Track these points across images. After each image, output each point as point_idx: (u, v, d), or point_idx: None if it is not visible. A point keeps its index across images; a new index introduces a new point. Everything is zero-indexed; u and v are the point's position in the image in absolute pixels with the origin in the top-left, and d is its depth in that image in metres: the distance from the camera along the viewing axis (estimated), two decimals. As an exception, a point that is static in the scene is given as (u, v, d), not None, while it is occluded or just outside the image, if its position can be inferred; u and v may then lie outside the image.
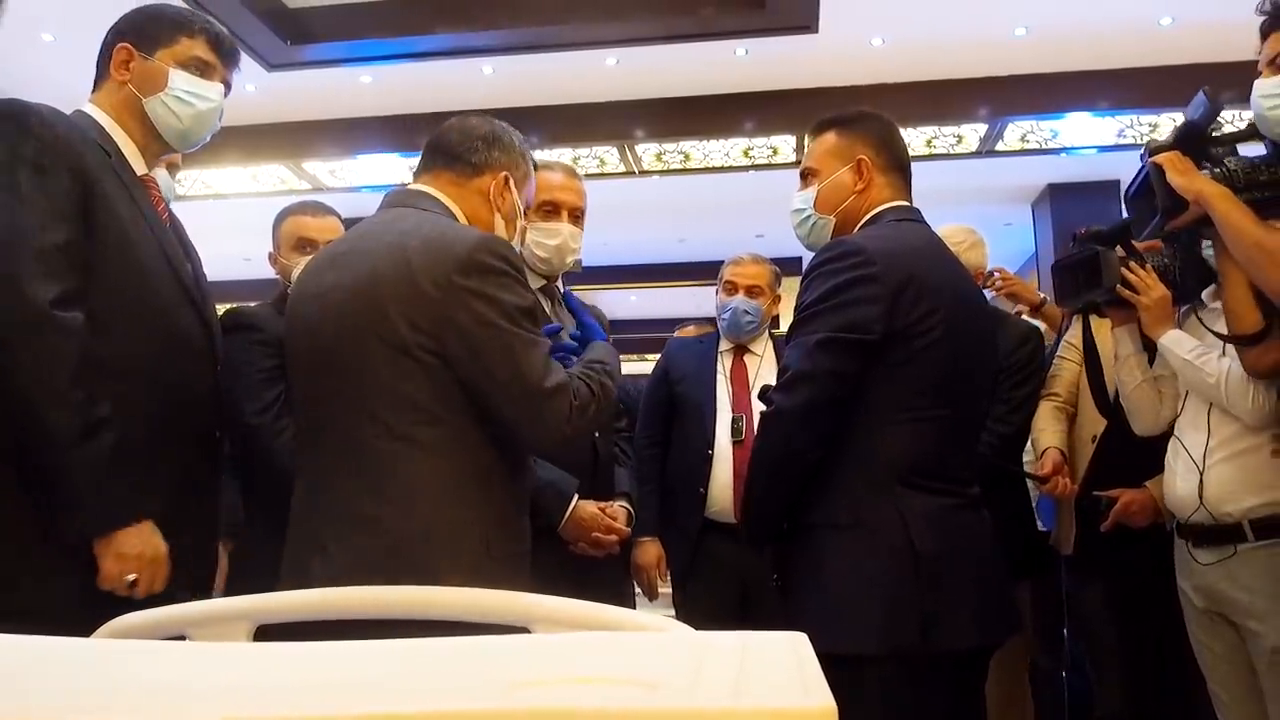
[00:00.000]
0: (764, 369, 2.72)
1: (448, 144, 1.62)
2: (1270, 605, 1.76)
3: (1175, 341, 1.93)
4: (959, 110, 5.69)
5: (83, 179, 1.51)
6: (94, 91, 1.70)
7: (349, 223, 2.08)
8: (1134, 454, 2.17)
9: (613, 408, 1.59)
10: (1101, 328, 2.25)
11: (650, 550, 2.52)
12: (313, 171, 6.53)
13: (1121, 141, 5.94)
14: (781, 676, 0.56)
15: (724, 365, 2.77)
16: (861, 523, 1.55)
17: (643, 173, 6.49)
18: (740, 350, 2.80)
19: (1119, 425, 2.21)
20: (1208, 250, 1.93)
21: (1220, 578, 1.85)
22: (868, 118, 1.81)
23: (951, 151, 6.13)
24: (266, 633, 0.96)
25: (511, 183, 1.62)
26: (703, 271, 6.42)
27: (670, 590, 2.69)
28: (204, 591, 1.65)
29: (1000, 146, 6.11)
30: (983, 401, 1.78)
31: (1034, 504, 2.68)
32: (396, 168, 6.35)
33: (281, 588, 1.38)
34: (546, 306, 2.12)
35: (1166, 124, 5.67)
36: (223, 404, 1.79)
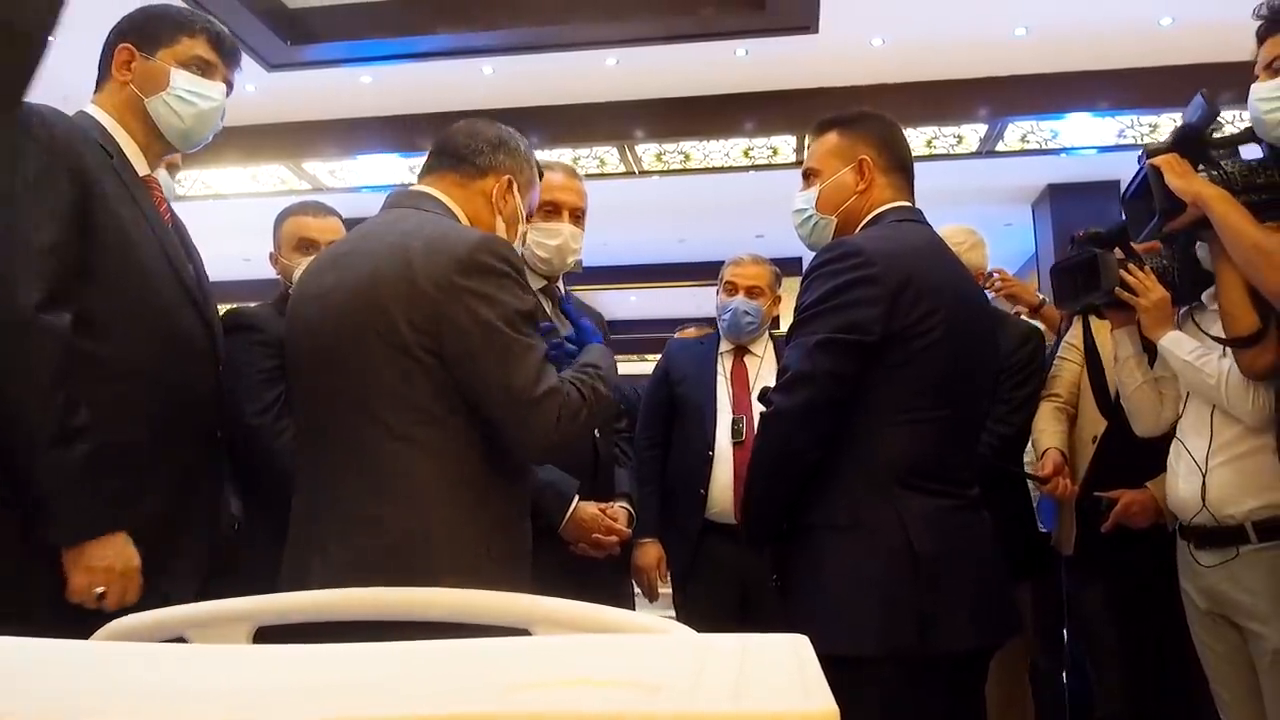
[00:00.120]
0: (764, 370, 2.72)
1: (454, 146, 1.62)
2: (1273, 607, 1.76)
3: (1175, 343, 1.93)
4: (959, 110, 5.69)
5: (82, 180, 1.51)
6: (96, 92, 1.70)
7: (349, 223, 2.08)
8: (1134, 454, 2.17)
9: (606, 412, 1.57)
10: (1102, 328, 2.25)
11: (650, 551, 2.52)
12: (313, 172, 6.53)
13: (1122, 142, 5.94)
14: (782, 679, 0.56)
15: (724, 366, 2.77)
16: (860, 524, 1.54)
17: (643, 173, 6.49)
18: (740, 351, 2.80)
19: (1119, 426, 2.21)
20: (1202, 252, 1.94)
21: (1222, 579, 1.85)
22: (870, 118, 1.81)
23: (951, 152, 6.13)
24: (266, 634, 0.96)
25: (515, 187, 1.62)
26: (703, 272, 6.43)
27: (670, 591, 2.69)
28: (205, 592, 1.65)
29: (1000, 147, 6.10)
30: (983, 402, 1.78)
31: (1035, 505, 2.67)
32: (397, 168, 6.35)
33: (282, 588, 1.38)
34: (547, 307, 2.11)
35: (1166, 124, 5.67)
36: (224, 404, 1.79)
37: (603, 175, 6.39)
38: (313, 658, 0.63)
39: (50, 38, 0.53)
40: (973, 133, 5.96)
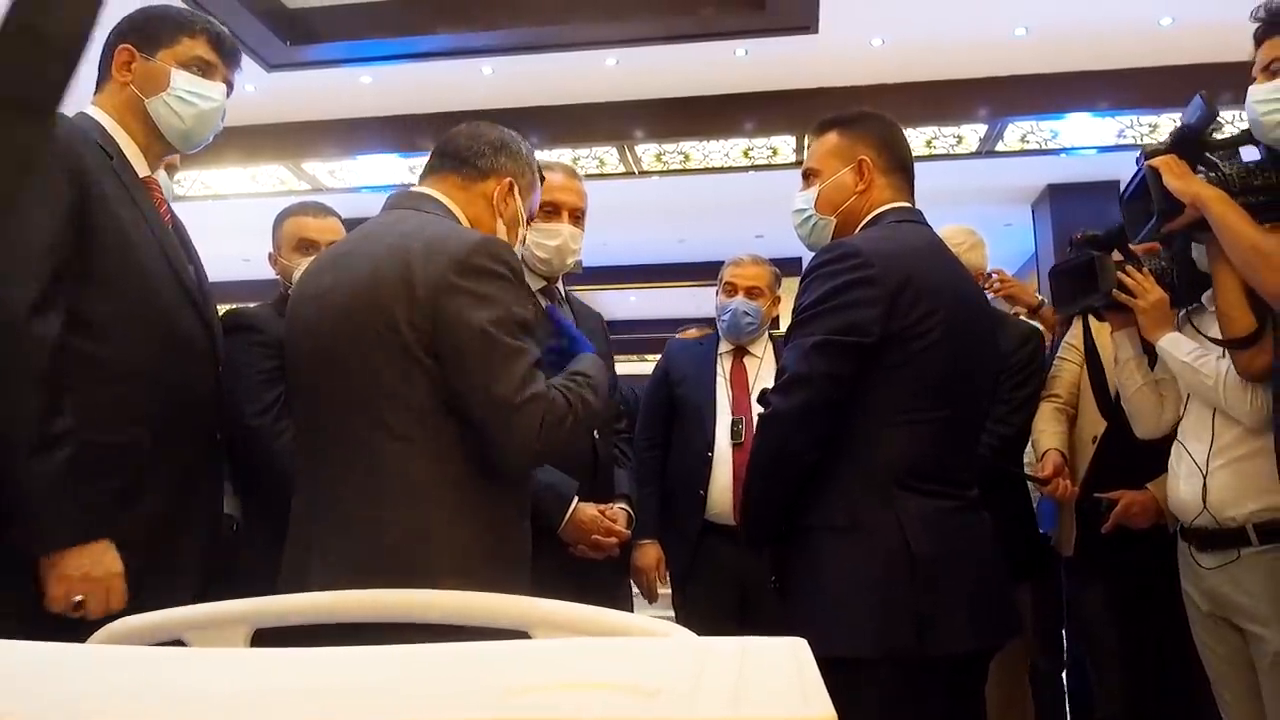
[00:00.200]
0: (764, 370, 2.72)
1: (456, 148, 1.62)
2: (1273, 610, 1.76)
3: (1173, 344, 1.93)
4: (959, 110, 5.69)
5: (81, 181, 1.51)
6: (96, 93, 1.70)
7: (349, 224, 2.08)
8: (1135, 455, 2.17)
9: (593, 422, 1.55)
10: (1102, 328, 2.25)
11: (650, 552, 2.52)
12: (312, 172, 6.53)
13: (1121, 142, 5.94)
14: (781, 683, 0.56)
15: (724, 367, 2.77)
16: (858, 525, 1.54)
17: (642, 173, 6.49)
18: (740, 352, 2.80)
19: (1120, 426, 2.21)
20: (1198, 253, 1.94)
21: (1223, 582, 1.85)
22: (870, 118, 1.80)
23: (951, 152, 6.13)
24: (265, 636, 0.96)
25: (516, 189, 1.62)
26: (702, 272, 6.43)
27: (670, 592, 2.68)
28: (204, 594, 1.65)
29: (1000, 147, 6.10)
30: (983, 403, 1.78)
31: (1035, 506, 2.67)
32: (396, 168, 6.35)
33: (281, 588, 1.38)
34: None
35: (1166, 124, 5.67)
36: (224, 405, 1.78)
37: (602, 175, 6.39)
38: (311, 662, 0.63)
39: (85, 47, 0.53)
40: (972, 133, 5.96)
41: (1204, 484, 1.85)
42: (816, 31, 4.90)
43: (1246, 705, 1.86)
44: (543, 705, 0.51)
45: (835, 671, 0.78)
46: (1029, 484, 2.56)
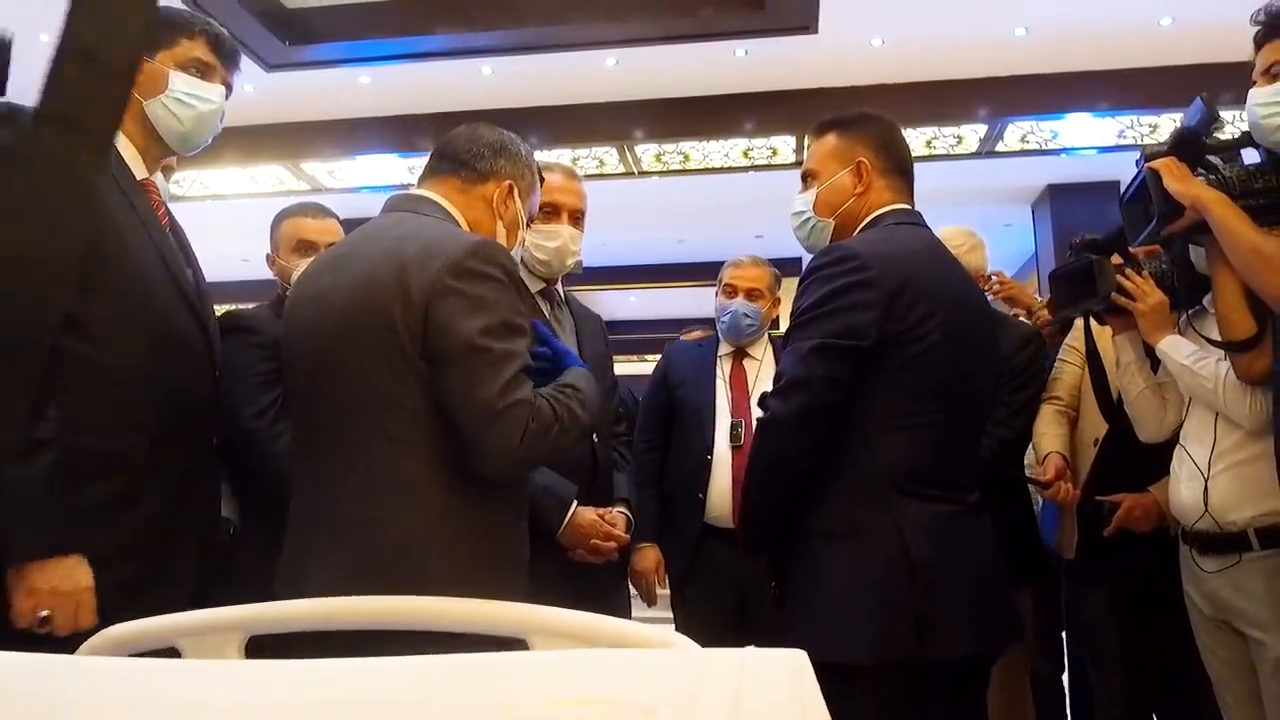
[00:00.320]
0: (763, 373, 2.71)
1: (455, 150, 1.61)
2: (1275, 615, 1.75)
3: (1173, 347, 1.92)
4: (959, 111, 5.68)
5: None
6: (93, 94, 1.68)
7: (349, 224, 2.07)
8: (1136, 458, 2.16)
9: (580, 435, 1.52)
10: (1103, 330, 2.25)
11: (649, 555, 2.52)
12: (311, 172, 6.53)
13: (1122, 142, 5.94)
14: (780, 694, 0.55)
15: (723, 370, 2.76)
16: (857, 530, 1.53)
17: (642, 173, 6.49)
18: (740, 354, 2.79)
19: (1121, 429, 2.20)
20: (1196, 256, 1.93)
21: (1224, 586, 1.84)
22: (868, 119, 1.80)
23: (951, 152, 6.13)
24: (260, 641, 0.95)
25: (516, 192, 1.62)
26: (702, 272, 6.43)
27: (670, 595, 2.68)
28: (201, 598, 1.64)
29: (1000, 147, 6.10)
30: (983, 405, 1.77)
31: (1037, 515, 2.66)
32: (395, 168, 6.35)
33: (278, 592, 1.38)
34: (545, 310, 2.11)
35: (1166, 125, 5.67)
36: (221, 408, 1.78)
37: (602, 176, 6.39)
38: (306, 674, 0.62)
39: (138, 71, 0.54)
40: (972, 133, 5.96)
41: (1205, 488, 1.85)
42: (816, 31, 4.90)
43: (1248, 709, 1.86)
44: (540, 720, 0.50)
45: (834, 678, 0.78)
46: (1030, 487, 2.56)
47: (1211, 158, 1.83)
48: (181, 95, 1.67)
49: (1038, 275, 7.18)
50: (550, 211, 2.07)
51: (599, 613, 0.92)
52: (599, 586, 1.98)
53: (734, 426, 2.62)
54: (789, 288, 2.37)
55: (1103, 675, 2.37)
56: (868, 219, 1.73)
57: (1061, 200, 6.99)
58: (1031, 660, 2.63)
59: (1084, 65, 5.33)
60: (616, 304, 10.89)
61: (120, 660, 0.69)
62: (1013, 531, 2.38)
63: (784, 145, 6.12)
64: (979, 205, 7.01)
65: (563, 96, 5.70)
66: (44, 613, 1.36)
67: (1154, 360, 2.06)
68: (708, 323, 3.19)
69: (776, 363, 2.51)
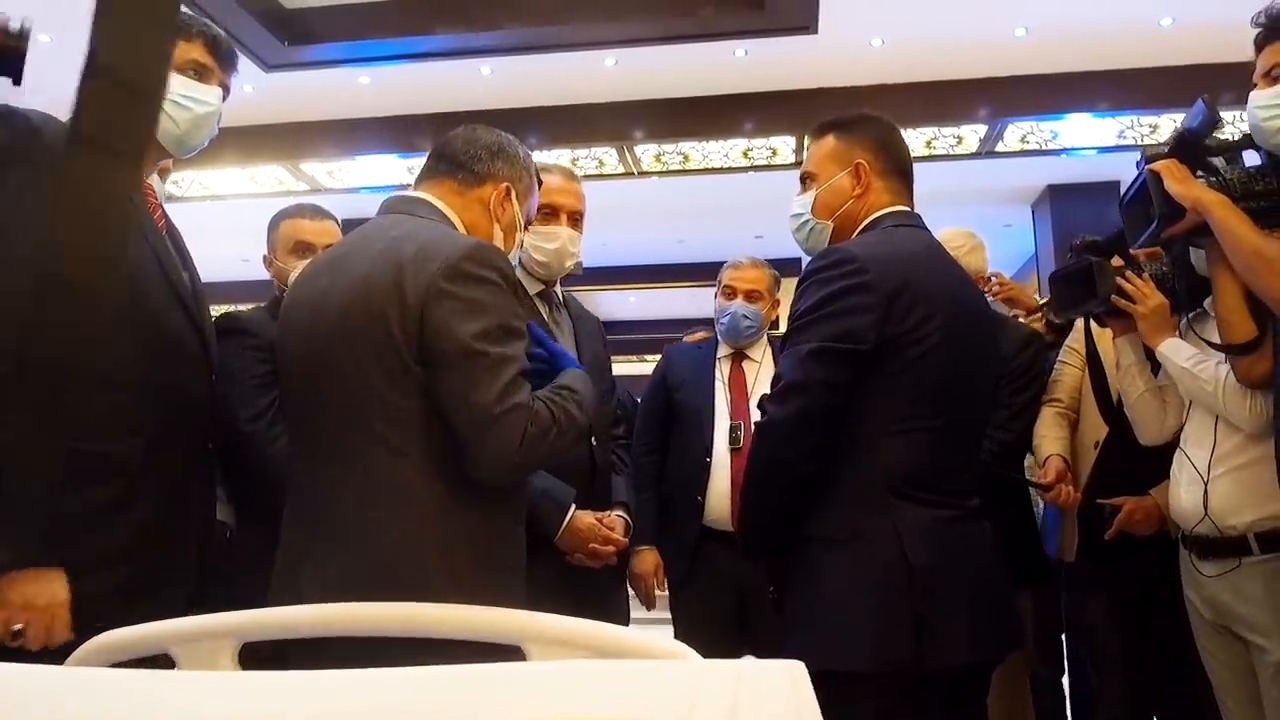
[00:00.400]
0: (763, 375, 2.70)
1: (452, 152, 1.60)
2: (1275, 621, 1.74)
3: (1173, 350, 1.91)
4: (959, 111, 5.68)
5: None
6: (88, 96, 1.68)
7: (348, 225, 2.06)
8: (1137, 460, 2.15)
9: (577, 437, 1.51)
10: (1103, 332, 2.24)
11: (648, 559, 2.51)
12: (311, 172, 6.52)
13: (1122, 142, 5.94)
14: (778, 706, 0.55)
15: (722, 372, 2.76)
16: (856, 536, 1.52)
17: (642, 174, 6.48)
18: (739, 356, 2.78)
19: (1122, 431, 2.19)
20: (1196, 258, 1.92)
21: (1224, 590, 1.83)
22: (867, 121, 1.79)
23: (951, 152, 6.13)
24: (255, 647, 0.95)
25: (513, 194, 1.61)
26: (702, 272, 6.42)
27: (669, 597, 2.67)
28: (196, 603, 1.63)
29: (1000, 147, 6.10)
30: (983, 408, 1.76)
31: (1039, 522, 2.66)
32: (395, 169, 6.34)
33: (272, 598, 1.37)
34: (544, 312, 2.10)
35: (1166, 125, 5.67)
36: (217, 410, 1.77)
37: (602, 176, 6.38)
38: (300, 686, 0.62)
39: (164, 94, 0.55)
40: (972, 133, 5.95)
41: (1205, 491, 1.84)
42: (816, 32, 4.89)
43: (1249, 713, 1.85)
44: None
45: (832, 686, 0.77)
46: (1031, 491, 2.55)
47: (1212, 160, 1.83)
48: (178, 98, 1.65)
49: (1038, 276, 7.18)
50: (549, 213, 2.06)
51: (598, 616, 0.92)
52: (597, 590, 1.98)
53: (733, 429, 2.61)
54: (788, 288, 2.36)
55: (1103, 679, 2.36)
56: (866, 221, 1.72)
57: (1061, 201, 6.98)
58: (1032, 663, 2.63)
59: (1084, 65, 5.33)
60: (616, 304, 10.88)
61: (114, 672, 0.69)
62: (1013, 535, 2.37)
63: (784, 145, 6.11)
64: (979, 205, 7.01)
65: (562, 97, 5.70)
66: (16, 626, 1.34)
67: (1154, 363, 2.05)
68: (708, 323, 3.19)
69: (776, 364, 2.50)
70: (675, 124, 5.90)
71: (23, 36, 1.18)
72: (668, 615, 2.67)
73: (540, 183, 1.76)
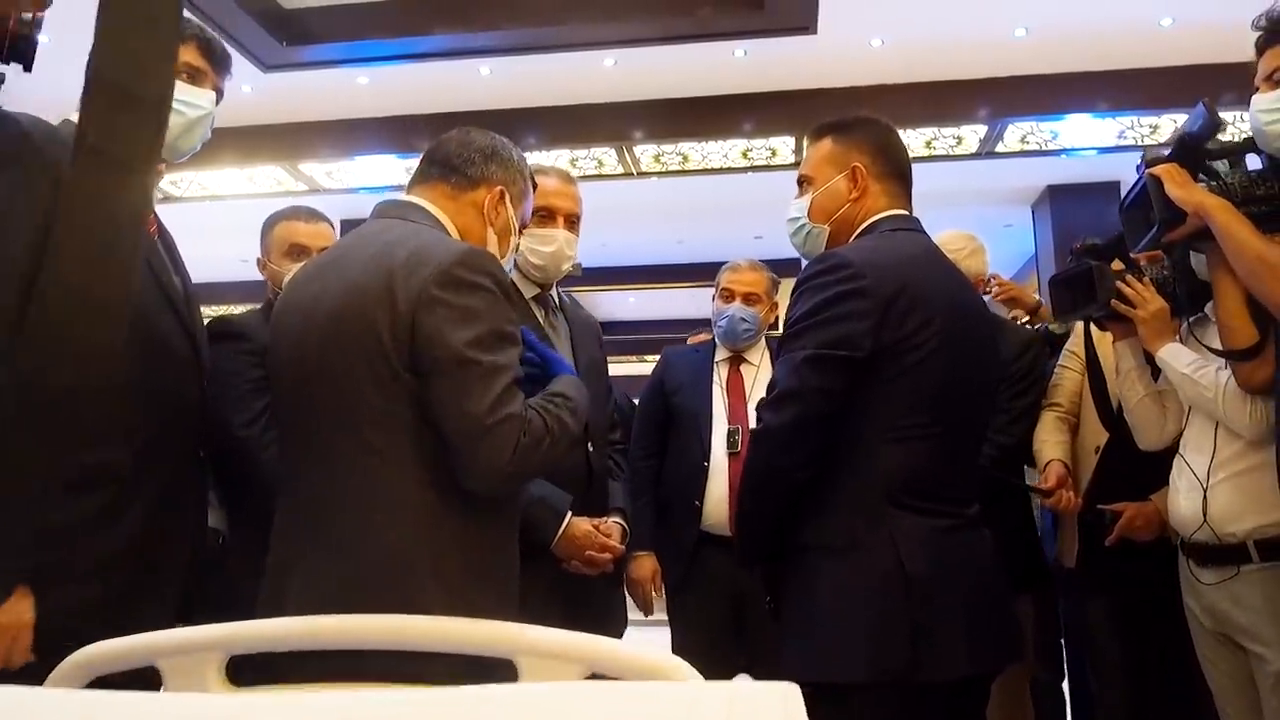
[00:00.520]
0: (761, 378, 2.69)
1: (445, 155, 1.58)
2: (1274, 629, 1.73)
3: (1173, 355, 1.90)
4: (959, 111, 5.67)
5: (58, 189, 1.47)
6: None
7: (346, 225, 2.05)
8: (1138, 466, 2.14)
9: (572, 445, 1.49)
10: (1103, 336, 2.23)
11: (645, 564, 2.49)
12: (309, 173, 6.51)
13: (1122, 143, 5.93)
14: (770, 729, 0.54)
15: (720, 375, 2.74)
16: (853, 545, 1.50)
17: (641, 174, 6.47)
18: (737, 360, 2.77)
19: (1122, 437, 2.18)
20: (1197, 263, 1.91)
21: (1223, 598, 1.82)
22: (865, 123, 1.77)
23: (951, 153, 6.12)
24: (242, 659, 0.93)
25: (507, 198, 1.59)
26: (701, 273, 6.39)
27: (666, 601, 2.66)
28: (188, 610, 1.61)
29: (1000, 148, 6.08)
30: (983, 413, 1.74)
31: (1039, 528, 2.64)
32: (394, 169, 6.33)
33: (261, 608, 1.35)
34: (540, 315, 2.09)
35: (1167, 125, 5.65)
36: (209, 414, 1.75)
37: (601, 176, 6.37)
38: (290, 705, 0.61)
39: (171, 104, 0.54)
40: (972, 134, 5.94)
41: (1204, 498, 1.83)
42: (816, 32, 4.88)
43: (1244, 713, 1.84)
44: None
45: (829, 697, 0.76)
46: (1033, 498, 2.53)
47: (1213, 164, 1.81)
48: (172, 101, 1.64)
49: (1038, 276, 7.16)
50: (545, 216, 2.05)
51: (594, 622, 0.91)
52: (594, 595, 1.96)
53: (731, 433, 2.60)
54: (788, 290, 2.35)
55: (1103, 684, 2.35)
56: (864, 225, 1.70)
57: (1061, 201, 6.97)
58: (1032, 669, 2.62)
59: (1084, 66, 5.31)
60: (615, 305, 10.87)
61: (99, 694, 0.67)
62: (1013, 540, 2.36)
63: (783, 146, 6.10)
64: (978, 206, 6.99)
65: (561, 97, 5.68)
66: None
67: (1154, 368, 2.04)
68: (709, 324, 3.17)
69: (774, 367, 2.49)
70: (674, 124, 5.89)
71: (35, 24, 1.18)
72: (665, 619, 2.66)
73: (535, 186, 1.74)
